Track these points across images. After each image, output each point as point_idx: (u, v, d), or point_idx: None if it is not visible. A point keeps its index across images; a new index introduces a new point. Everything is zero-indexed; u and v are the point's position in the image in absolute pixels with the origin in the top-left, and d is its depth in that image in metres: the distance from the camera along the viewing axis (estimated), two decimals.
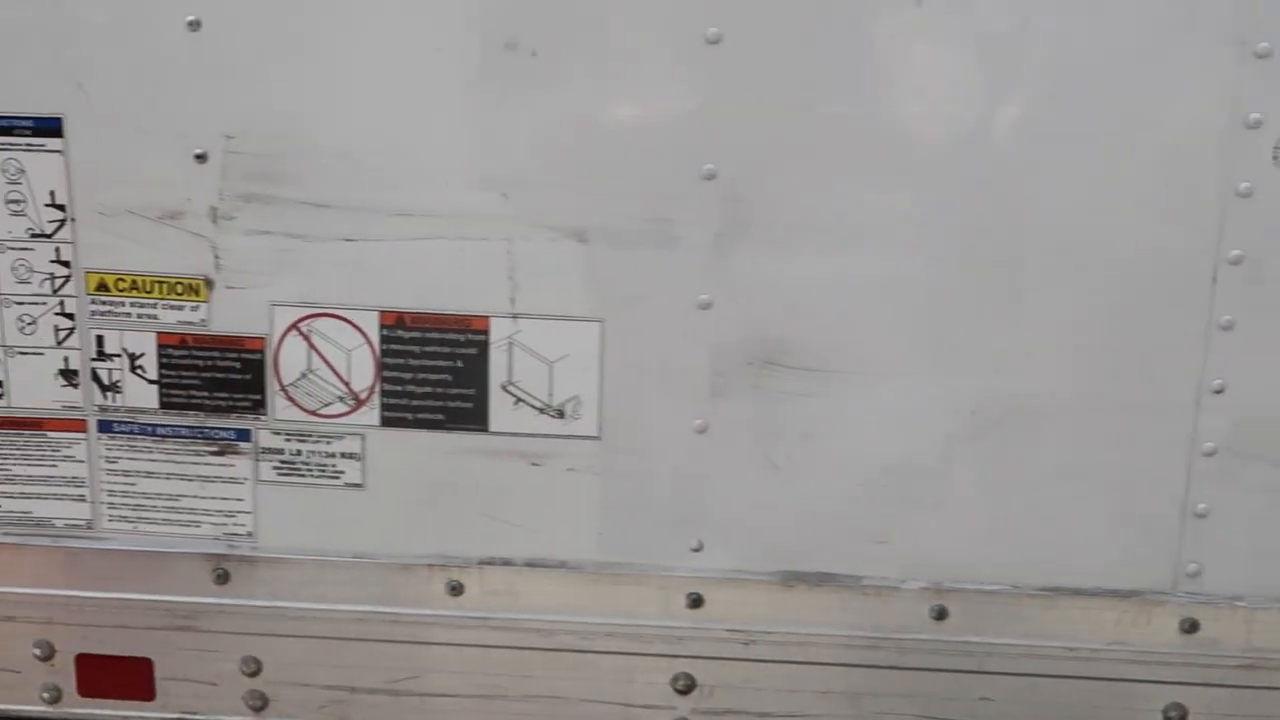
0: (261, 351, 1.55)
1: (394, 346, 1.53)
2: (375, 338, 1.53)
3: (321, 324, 1.54)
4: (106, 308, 1.56)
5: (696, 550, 1.57)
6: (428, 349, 1.53)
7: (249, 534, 1.61)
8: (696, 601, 1.58)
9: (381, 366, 1.54)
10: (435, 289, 1.52)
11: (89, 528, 1.63)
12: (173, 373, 1.57)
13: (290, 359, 1.55)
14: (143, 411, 1.58)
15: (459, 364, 1.53)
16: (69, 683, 1.66)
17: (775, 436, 1.53)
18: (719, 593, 1.58)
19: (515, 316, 1.51)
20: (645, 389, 1.53)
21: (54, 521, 1.63)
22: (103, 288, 1.55)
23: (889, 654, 1.58)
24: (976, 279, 1.47)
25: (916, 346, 1.50)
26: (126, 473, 1.61)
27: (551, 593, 1.60)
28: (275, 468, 1.59)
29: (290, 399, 1.56)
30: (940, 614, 1.56)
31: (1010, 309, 1.47)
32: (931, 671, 1.58)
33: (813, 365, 1.50)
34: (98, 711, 1.68)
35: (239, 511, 1.61)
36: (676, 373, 1.52)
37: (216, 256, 1.52)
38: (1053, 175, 1.43)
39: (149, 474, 1.61)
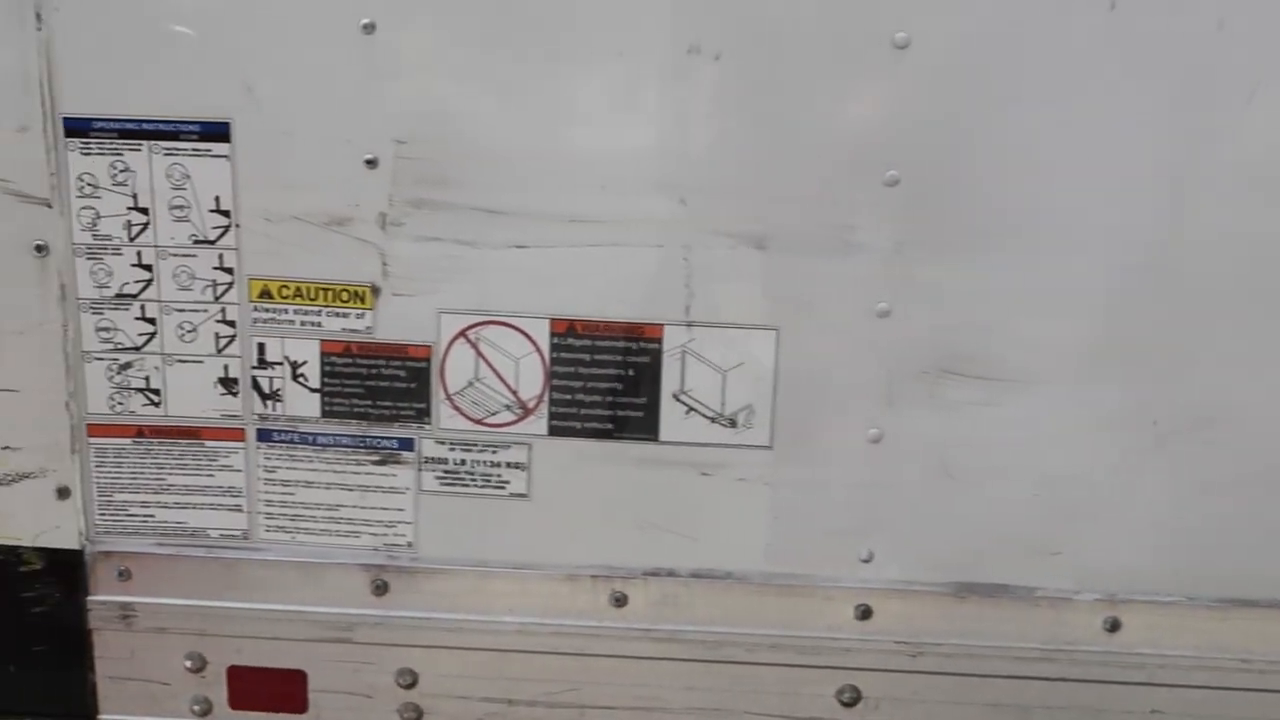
0: (427, 360, 1.53)
1: (564, 355, 1.51)
2: (545, 346, 1.51)
3: (490, 332, 1.51)
4: (269, 315, 1.53)
5: (866, 561, 1.55)
6: (598, 357, 1.51)
7: (409, 544, 1.59)
8: (865, 613, 1.56)
9: (551, 375, 1.52)
10: (608, 296, 1.49)
11: (245, 538, 1.61)
12: (335, 381, 1.54)
13: (457, 367, 1.53)
14: (303, 420, 1.56)
15: (630, 372, 1.51)
16: (220, 695, 1.63)
17: (950, 446, 1.51)
18: (888, 604, 1.56)
19: (690, 325, 1.49)
20: (819, 398, 1.51)
21: (209, 532, 1.61)
22: (265, 295, 1.53)
23: (1060, 666, 1.56)
24: (1162, 287, 1.45)
25: (1098, 356, 1.48)
26: (285, 482, 1.58)
27: (716, 604, 1.57)
28: (438, 477, 1.56)
29: (456, 408, 1.54)
30: (1113, 626, 1.55)
31: (1196, 318, 1.45)
32: (1103, 684, 1.56)
33: (990, 374, 1.48)
34: None
35: (399, 522, 1.58)
36: (852, 382, 1.50)
37: (384, 263, 1.50)
38: (1245, 181, 1.41)
39: (308, 483, 1.58)
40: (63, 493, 1.58)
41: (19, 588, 1.61)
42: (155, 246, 1.52)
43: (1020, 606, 1.55)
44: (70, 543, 1.60)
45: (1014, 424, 1.50)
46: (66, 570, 1.60)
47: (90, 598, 1.61)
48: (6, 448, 1.57)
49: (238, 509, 1.60)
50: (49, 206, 1.50)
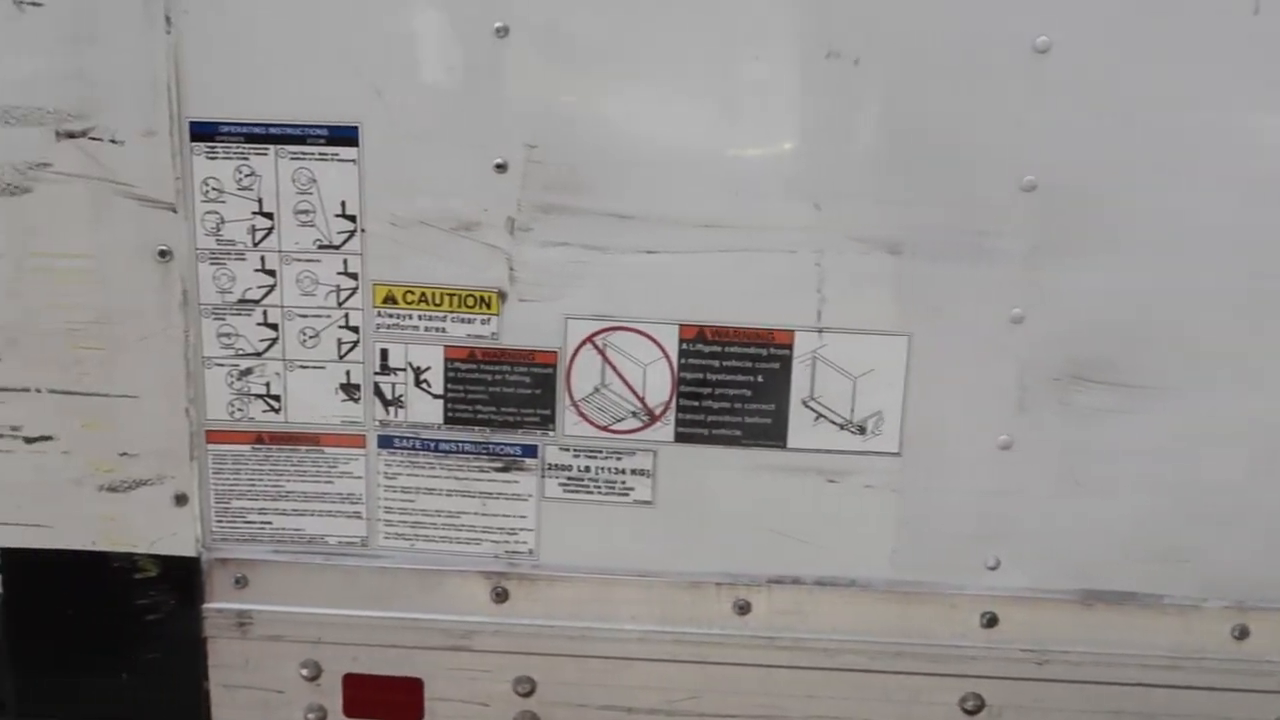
0: (553, 366, 1.52)
1: (693, 361, 1.50)
2: (673, 352, 1.50)
3: (618, 338, 1.50)
4: (393, 321, 1.52)
5: (993, 568, 1.54)
6: (727, 364, 1.50)
7: (530, 551, 1.58)
8: (991, 620, 1.55)
9: (679, 381, 1.51)
10: (738, 302, 1.49)
11: (363, 545, 1.59)
12: (459, 387, 1.53)
13: (583, 373, 1.52)
14: (425, 427, 1.55)
15: (759, 379, 1.50)
16: (335, 703, 1.62)
17: (1080, 453, 1.50)
18: (1014, 611, 1.55)
19: (821, 331, 1.48)
20: (949, 404, 1.50)
21: (327, 539, 1.60)
22: (390, 300, 1.52)
23: (1187, 674, 1.55)
24: None
25: (1231, 362, 1.47)
26: (405, 489, 1.57)
27: (840, 612, 1.57)
28: (561, 484, 1.55)
29: (581, 414, 1.53)
30: (1242, 633, 1.54)
31: None
32: (1230, 691, 1.55)
33: (1123, 380, 1.48)
34: None
35: (521, 529, 1.57)
36: (983, 388, 1.49)
37: (511, 268, 1.49)
38: None
39: (429, 490, 1.57)
40: (180, 499, 1.57)
41: (134, 595, 1.59)
42: (279, 252, 1.51)
43: (1147, 614, 1.54)
44: (187, 550, 1.58)
45: (1144, 431, 1.49)
46: (182, 577, 1.59)
47: (206, 605, 1.60)
48: (125, 454, 1.56)
49: (357, 516, 1.59)
50: (173, 211, 1.49)
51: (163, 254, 1.50)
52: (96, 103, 1.46)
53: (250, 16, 1.44)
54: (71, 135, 1.47)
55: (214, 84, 1.46)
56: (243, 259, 1.51)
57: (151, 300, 1.51)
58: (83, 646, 1.62)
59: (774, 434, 1.52)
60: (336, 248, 1.50)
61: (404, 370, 1.54)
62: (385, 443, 1.56)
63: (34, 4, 1.44)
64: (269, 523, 1.59)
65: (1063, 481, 1.51)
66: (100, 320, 1.52)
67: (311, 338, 1.53)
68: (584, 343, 1.51)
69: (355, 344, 1.53)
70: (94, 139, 1.47)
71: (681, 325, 1.50)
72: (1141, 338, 1.47)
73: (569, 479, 1.55)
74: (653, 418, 1.52)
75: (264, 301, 1.53)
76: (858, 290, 1.47)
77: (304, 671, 1.61)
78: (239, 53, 1.45)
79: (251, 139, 1.48)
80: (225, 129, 1.48)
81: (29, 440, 1.56)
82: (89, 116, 1.46)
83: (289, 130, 1.47)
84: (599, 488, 1.55)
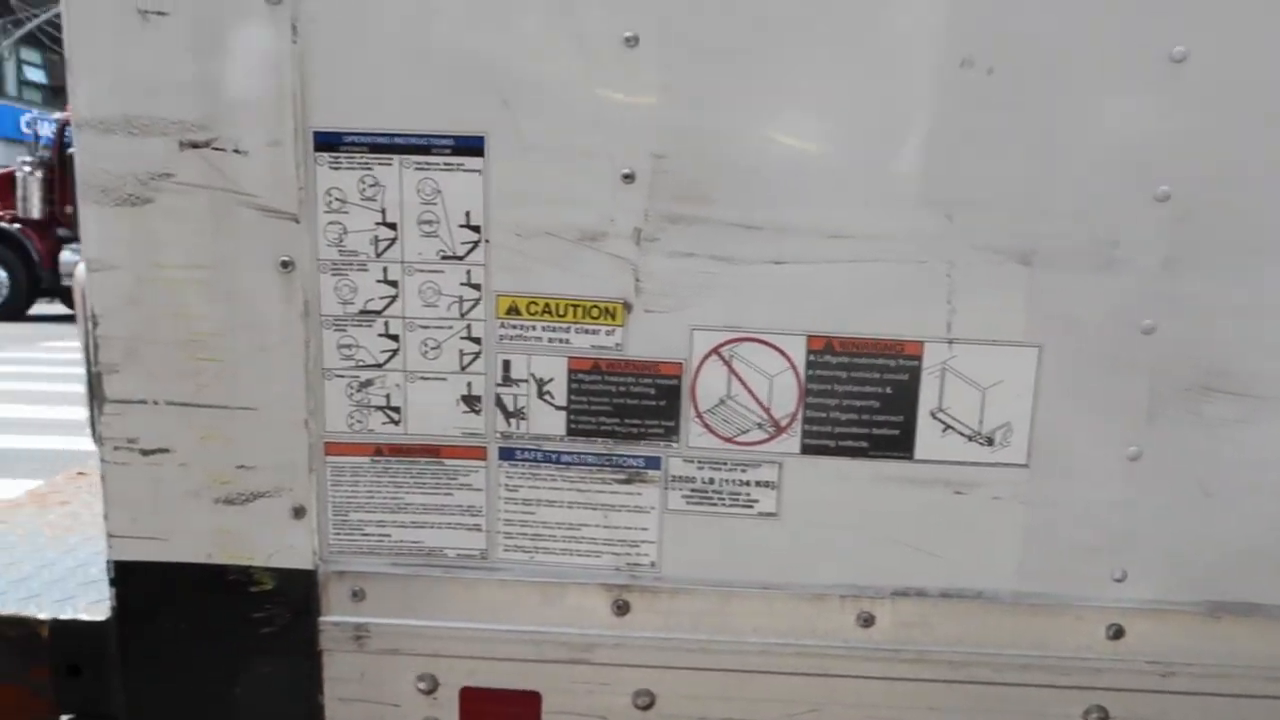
0: (678, 377, 1.51)
1: (820, 372, 1.49)
2: (801, 363, 1.49)
3: (744, 349, 1.49)
4: (516, 332, 1.51)
5: (1119, 580, 1.53)
6: (855, 374, 1.49)
7: (652, 564, 1.57)
8: (1117, 633, 1.54)
9: (806, 392, 1.50)
10: (865, 313, 1.48)
11: (482, 558, 1.58)
12: (582, 399, 1.52)
13: (709, 385, 1.51)
14: (548, 439, 1.54)
15: (887, 390, 1.49)
16: (451, 716, 1.61)
17: (1210, 464, 1.49)
18: (1140, 623, 1.54)
19: (951, 341, 1.47)
20: (1079, 415, 1.49)
21: (446, 551, 1.58)
22: (513, 311, 1.51)
23: None
24: None
25: None
26: (526, 501, 1.56)
27: (965, 624, 1.56)
28: (685, 496, 1.54)
29: (706, 426, 1.52)
30: None
31: None
32: None
33: (1253, 391, 1.47)
34: None
35: (643, 541, 1.56)
36: (1112, 398, 1.48)
37: (637, 279, 1.48)
38: None
39: (550, 503, 1.56)
40: (298, 512, 1.55)
41: (249, 608, 1.58)
42: (402, 262, 1.50)
43: (1275, 626, 1.53)
44: (304, 563, 1.57)
45: (1274, 441, 1.48)
46: (298, 591, 1.58)
47: (322, 618, 1.59)
48: (242, 466, 1.54)
49: (476, 528, 1.57)
50: (296, 221, 1.48)
51: (285, 265, 1.49)
52: (221, 113, 1.45)
53: (377, 25, 1.43)
54: (195, 145, 1.46)
55: (339, 94, 1.45)
56: (365, 270, 1.50)
57: (272, 311, 1.50)
58: (196, 660, 1.60)
59: (901, 445, 1.51)
60: (460, 258, 1.49)
61: (526, 382, 1.53)
62: (506, 455, 1.55)
63: (159, 13, 1.43)
64: (387, 535, 1.58)
65: (1191, 492, 1.50)
66: (220, 331, 1.51)
67: (433, 349, 1.52)
68: (710, 354, 1.50)
69: (477, 355, 1.52)
70: (217, 149, 1.46)
71: (809, 336, 1.49)
72: (1272, 348, 1.46)
73: (692, 491, 1.54)
74: (778, 429, 1.51)
75: (385, 312, 1.51)
76: (988, 301, 1.46)
77: (421, 685, 1.59)
78: (365, 62, 1.45)
79: (376, 149, 1.47)
80: (349, 139, 1.47)
81: (145, 453, 1.54)
82: (212, 126, 1.45)
83: (414, 140, 1.46)
84: (723, 500, 1.54)
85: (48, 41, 26.48)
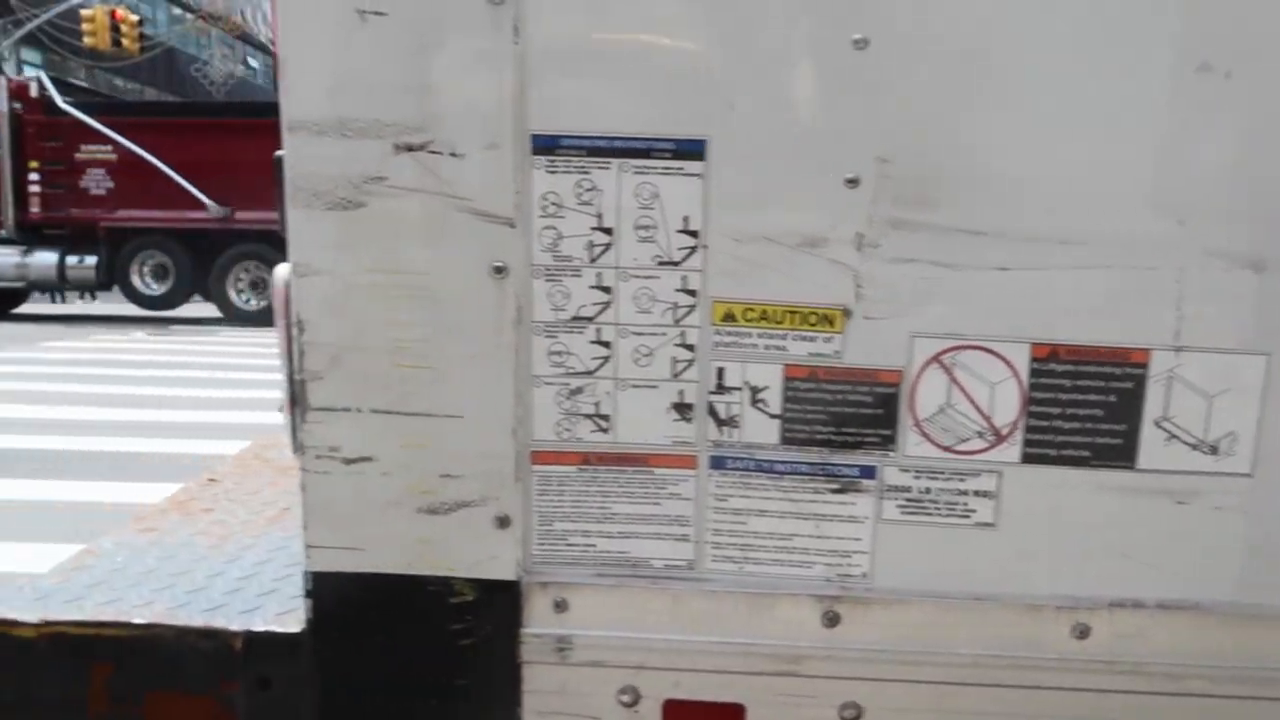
0: (897, 385, 1.48)
1: (1044, 380, 1.47)
2: (1024, 371, 1.47)
3: (966, 356, 1.47)
4: (731, 339, 1.49)
5: None
6: (1079, 383, 1.47)
7: (864, 575, 1.54)
8: None
9: (1029, 401, 1.48)
10: (1091, 320, 1.45)
11: (690, 568, 1.55)
12: (797, 407, 1.50)
13: (928, 393, 1.48)
14: (760, 447, 1.51)
15: (1111, 399, 1.47)
16: None
17: None
18: None
19: (1179, 350, 1.45)
20: None
21: (652, 562, 1.56)
22: (729, 318, 1.48)
23: None
24: None
25: None
26: (736, 511, 1.53)
27: (1182, 635, 1.53)
28: (900, 506, 1.52)
29: (924, 435, 1.49)
30: None
31: None
32: None
33: None
34: None
35: (855, 551, 1.53)
36: None
37: (858, 285, 1.46)
38: None
39: (761, 512, 1.53)
40: (503, 522, 1.52)
41: (448, 620, 1.55)
42: (616, 268, 1.47)
43: None
44: (506, 574, 1.54)
45: None
46: (501, 602, 1.55)
47: (524, 630, 1.56)
48: (446, 475, 1.52)
49: (684, 539, 1.55)
50: (511, 226, 1.45)
51: (498, 270, 1.46)
52: (437, 115, 1.43)
53: (600, 27, 1.41)
54: (410, 148, 1.44)
55: (558, 96, 1.43)
56: (579, 275, 1.48)
57: (484, 317, 1.48)
58: (393, 673, 1.57)
59: (1124, 455, 1.48)
60: (676, 264, 1.47)
61: (740, 389, 1.50)
62: (717, 464, 1.52)
63: (378, 14, 1.41)
64: (592, 545, 1.55)
65: None
66: (428, 338, 1.48)
67: (645, 356, 1.50)
68: (930, 361, 1.47)
69: (690, 362, 1.50)
70: (433, 152, 1.43)
71: (1034, 344, 1.46)
72: None
73: (908, 500, 1.51)
74: (999, 438, 1.49)
75: (598, 319, 1.49)
76: (1218, 308, 1.44)
77: (623, 698, 1.56)
78: (585, 64, 1.42)
79: (594, 152, 1.44)
80: (567, 142, 1.44)
81: (348, 461, 1.52)
82: (429, 129, 1.43)
83: (634, 144, 1.44)
84: (939, 510, 1.51)
85: (48, 41, 26.39)
